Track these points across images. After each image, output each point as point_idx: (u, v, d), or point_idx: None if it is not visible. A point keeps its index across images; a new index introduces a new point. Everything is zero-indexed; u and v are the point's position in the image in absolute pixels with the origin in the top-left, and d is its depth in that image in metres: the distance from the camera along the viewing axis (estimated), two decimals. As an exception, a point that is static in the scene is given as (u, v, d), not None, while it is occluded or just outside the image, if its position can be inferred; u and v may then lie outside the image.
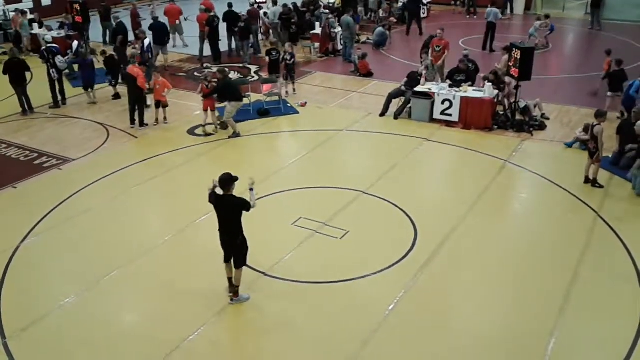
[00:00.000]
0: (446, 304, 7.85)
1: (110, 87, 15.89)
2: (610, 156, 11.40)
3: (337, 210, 10.04)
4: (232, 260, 7.72)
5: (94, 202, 10.54)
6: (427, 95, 13.89)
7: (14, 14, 21.27)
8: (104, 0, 21.31)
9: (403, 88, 14.48)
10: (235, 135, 13.24)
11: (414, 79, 14.42)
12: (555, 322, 7.37)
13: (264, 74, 17.40)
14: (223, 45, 19.52)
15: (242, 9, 20.44)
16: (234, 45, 19.97)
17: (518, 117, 13.49)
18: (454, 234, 9.30)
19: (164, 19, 19.35)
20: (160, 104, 13.89)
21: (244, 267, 7.77)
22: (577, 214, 9.91)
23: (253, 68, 18.63)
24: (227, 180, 7.28)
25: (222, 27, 19.12)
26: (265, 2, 22.56)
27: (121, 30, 17.73)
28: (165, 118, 14.07)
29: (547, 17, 20.98)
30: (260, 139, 13.29)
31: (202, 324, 7.42)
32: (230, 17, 19.09)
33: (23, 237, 9.41)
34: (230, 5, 19.32)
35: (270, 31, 21.11)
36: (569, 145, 12.32)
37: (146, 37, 16.74)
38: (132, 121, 13.84)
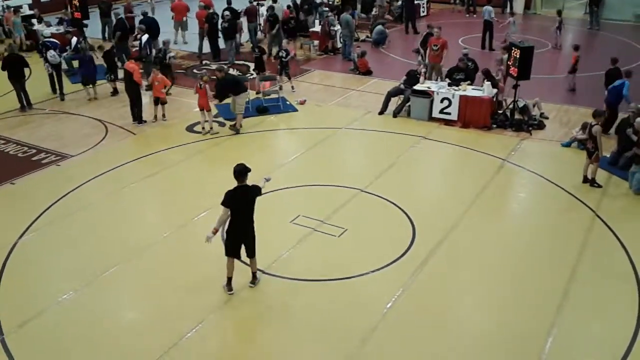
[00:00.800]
0: (444, 302, 7.86)
1: (108, 83, 15.86)
2: (608, 156, 11.41)
3: (336, 208, 10.04)
4: (236, 256, 7.79)
5: (92, 198, 10.53)
6: (426, 94, 13.89)
7: (6, 11, 21.15)
8: (105, -4, 21.28)
9: (402, 86, 14.49)
10: (236, 130, 13.24)
11: (413, 77, 14.42)
12: (553, 320, 7.39)
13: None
14: (222, 43, 19.49)
15: (242, 4, 20.42)
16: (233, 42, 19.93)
17: (517, 116, 13.50)
18: (452, 233, 9.32)
19: (162, 15, 19.27)
20: (159, 100, 13.88)
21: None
22: (575, 213, 9.93)
23: (252, 65, 18.59)
24: (242, 172, 7.45)
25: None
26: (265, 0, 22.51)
27: (121, 26, 17.71)
28: (164, 115, 14.06)
29: (559, 13, 21.18)
30: (258, 137, 13.29)
31: (201, 320, 7.42)
32: (229, 13, 19.06)
33: (21, 233, 9.39)
34: (229, 2, 19.29)
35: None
36: (566, 146, 12.33)
37: (144, 33, 16.71)
38: (134, 117, 13.85)
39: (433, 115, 13.84)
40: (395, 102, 14.45)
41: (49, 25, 20.43)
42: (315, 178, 11.18)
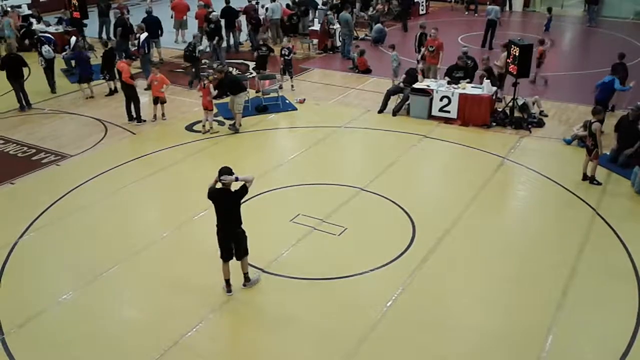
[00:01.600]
0: (444, 301, 7.86)
1: (106, 82, 15.86)
2: (608, 153, 11.41)
3: (336, 207, 10.04)
4: (231, 259, 7.74)
5: (92, 198, 10.53)
6: (426, 92, 13.88)
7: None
8: (104, -4, 21.26)
9: (401, 85, 14.48)
10: (235, 129, 13.24)
11: (412, 75, 14.41)
12: (553, 318, 7.39)
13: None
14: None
15: (242, 3, 20.41)
16: (232, 41, 19.95)
17: (516, 114, 13.49)
18: (452, 231, 9.31)
19: (162, 15, 19.27)
20: (158, 100, 13.87)
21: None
22: (575, 211, 9.92)
23: (251, 64, 18.59)
24: (227, 174, 7.43)
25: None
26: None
27: (121, 23, 17.74)
28: (163, 114, 14.06)
29: (549, 10, 21.29)
30: (258, 136, 13.28)
31: (200, 319, 7.42)
32: (228, 12, 19.07)
33: (21, 233, 9.39)
34: (227, 0, 19.27)
35: (269, 27, 21.07)
36: (568, 142, 12.33)
37: (143, 32, 16.72)
38: (130, 117, 13.83)
39: (432, 114, 13.83)
40: (394, 100, 14.45)
41: (48, 25, 20.42)
42: (315, 177, 11.18)
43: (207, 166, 11.91)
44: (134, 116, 13.85)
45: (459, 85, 13.76)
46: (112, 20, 19.79)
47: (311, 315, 7.56)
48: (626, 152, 11.16)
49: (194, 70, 16.25)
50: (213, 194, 7.54)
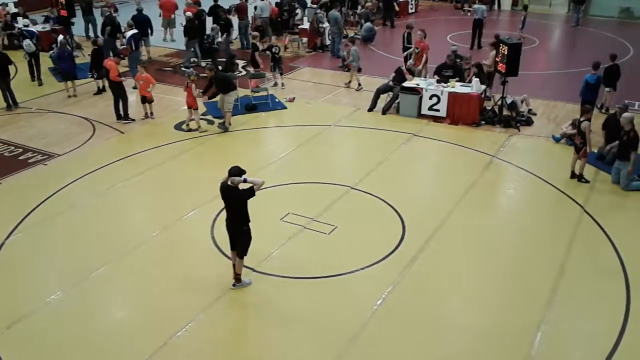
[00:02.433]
0: (434, 298, 7.88)
1: (94, 81, 15.76)
2: (596, 151, 11.49)
3: (326, 205, 10.04)
4: (233, 247, 7.90)
5: (79, 198, 10.45)
6: (415, 91, 13.91)
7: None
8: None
9: (391, 83, 14.49)
10: (224, 128, 13.20)
11: (401, 74, 14.43)
12: (542, 316, 7.43)
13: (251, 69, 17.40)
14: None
15: (233, 1, 20.34)
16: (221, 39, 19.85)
17: (505, 112, 13.55)
18: (442, 229, 9.34)
19: (150, 12, 19.14)
20: (145, 99, 13.78)
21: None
22: (564, 209, 9.99)
23: (241, 63, 18.53)
24: (236, 174, 7.56)
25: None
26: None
27: (110, 22, 17.62)
28: (151, 113, 13.97)
29: (525, 8, 21.60)
30: (247, 135, 13.24)
31: (190, 319, 7.39)
32: (216, 11, 18.98)
33: (8, 234, 9.30)
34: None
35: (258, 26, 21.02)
36: (557, 140, 12.40)
37: (132, 29, 16.64)
38: (118, 116, 13.75)
39: (422, 112, 13.86)
40: (384, 99, 14.46)
41: (35, 23, 20.22)
42: (305, 175, 11.17)
43: (196, 165, 11.89)
44: (122, 115, 13.75)
45: (448, 83, 13.80)
46: (98, 18, 19.63)
47: (302, 314, 7.55)
48: (610, 145, 11.22)
49: (211, 61, 16.62)
50: (221, 189, 7.67)
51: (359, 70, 16.24)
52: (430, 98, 13.68)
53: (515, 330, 7.23)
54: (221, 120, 13.38)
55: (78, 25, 20.26)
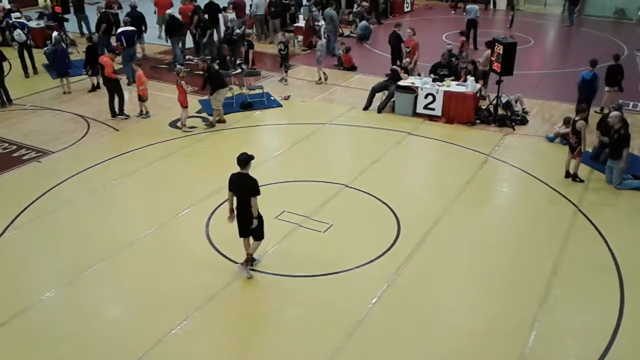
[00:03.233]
0: (428, 296, 7.90)
1: (89, 78, 15.70)
2: (590, 151, 11.53)
3: (321, 203, 10.04)
4: (246, 236, 8.04)
5: (74, 195, 10.41)
6: (411, 90, 13.92)
7: None
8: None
9: (386, 82, 14.50)
10: (210, 124, 13.19)
11: (396, 72, 14.44)
12: (536, 314, 7.46)
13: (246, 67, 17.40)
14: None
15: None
16: (215, 37, 19.80)
17: (500, 111, 13.58)
18: (436, 228, 9.36)
19: (145, 9, 19.08)
20: (140, 97, 13.76)
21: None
22: (558, 208, 10.02)
23: (237, 60, 18.49)
24: (245, 160, 7.77)
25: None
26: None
27: (105, 19, 17.57)
28: (147, 111, 13.93)
29: (512, 8, 21.93)
30: (243, 132, 13.22)
31: (185, 317, 7.38)
32: (211, 8, 18.95)
33: (1, 231, 9.25)
34: None
35: (253, 24, 21.01)
36: (551, 140, 12.44)
37: (126, 25, 16.60)
38: (113, 113, 13.70)
39: (417, 111, 13.88)
40: (379, 97, 14.47)
41: (29, 20, 20.11)
42: (300, 174, 11.16)
43: (191, 163, 11.86)
44: (117, 111, 13.71)
45: (444, 82, 13.82)
46: (91, 16, 19.57)
47: (297, 312, 7.55)
48: (602, 139, 11.25)
49: (232, 53, 17.21)
50: (231, 179, 7.86)
51: (355, 68, 16.24)
52: (426, 97, 13.70)
53: (509, 328, 7.25)
54: (216, 118, 13.38)
55: (72, 22, 20.18)
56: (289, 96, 15.19)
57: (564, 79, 16.70)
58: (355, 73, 17.37)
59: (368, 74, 16.97)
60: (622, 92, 13.64)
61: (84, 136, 12.88)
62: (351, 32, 21.81)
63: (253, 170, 8.02)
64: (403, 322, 7.38)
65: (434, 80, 14.03)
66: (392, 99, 14.20)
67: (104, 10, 18.13)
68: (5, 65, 14.64)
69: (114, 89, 13.65)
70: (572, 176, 10.84)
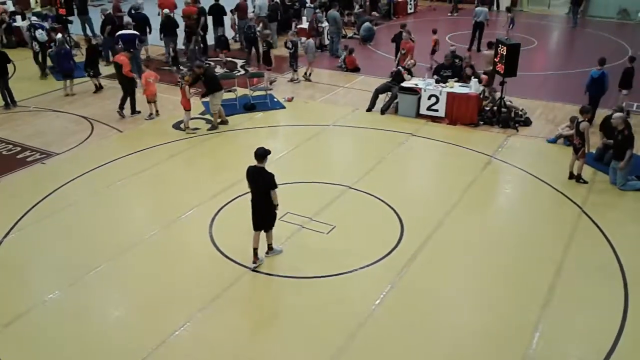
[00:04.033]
0: (431, 298, 7.89)
1: (91, 80, 15.75)
2: (594, 152, 11.51)
3: (324, 205, 10.04)
4: (259, 229, 8.27)
5: (78, 196, 10.44)
6: (414, 91, 13.92)
7: None
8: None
9: (390, 83, 14.50)
10: (213, 127, 13.23)
11: (399, 74, 14.43)
12: (540, 315, 7.44)
13: (252, 68, 17.44)
14: (210, 39, 19.44)
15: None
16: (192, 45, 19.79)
17: (503, 113, 13.55)
18: (440, 229, 9.35)
19: (148, 11, 19.12)
20: (148, 98, 13.87)
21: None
22: (562, 209, 10.00)
23: (239, 62, 18.55)
24: (262, 154, 8.03)
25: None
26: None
27: (110, 21, 17.62)
28: (156, 111, 14.05)
29: (508, 10, 21.69)
30: (246, 134, 13.23)
31: (188, 319, 7.38)
32: (216, 10, 18.99)
33: (6, 232, 9.28)
34: None
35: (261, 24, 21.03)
36: (552, 142, 12.41)
37: (126, 28, 16.67)
38: (121, 108, 13.97)
39: (420, 112, 13.87)
40: (383, 99, 14.46)
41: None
42: (303, 175, 11.16)
43: (194, 165, 11.89)
44: (128, 110, 13.97)
45: (447, 84, 13.80)
46: (95, 18, 19.62)
47: (300, 313, 7.55)
48: (605, 142, 11.22)
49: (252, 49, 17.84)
50: (249, 172, 8.12)
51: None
52: (429, 98, 13.69)
53: (512, 330, 7.24)
54: (219, 120, 13.40)
55: (76, 24, 20.23)
56: (292, 98, 15.20)
57: (568, 80, 16.68)
58: (358, 74, 17.37)
59: (371, 75, 16.97)
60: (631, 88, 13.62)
61: (87, 138, 12.92)
62: (354, 34, 21.80)
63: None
64: (406, 323, 7.37)
65: (437, 81, 14.02)
66: (396, 101, 14.19)
67: (108, 12, 18.16)
68: (10, 67, 14.68)
69: (129, 87, 13.91)
70: (576, 177, 10.81)
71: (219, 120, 13.40)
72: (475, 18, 19.68)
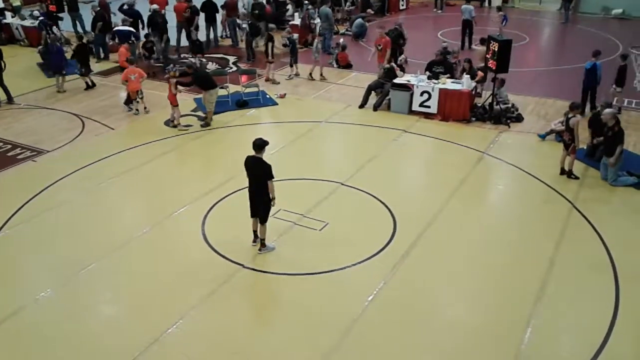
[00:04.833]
0: (424, 294, 7.91)
1: (81, 77, 15.66)
2: (585, 148, 11.56)
3: (317, 202, 10.04)
4: (253, 215, 8.50)
5: (69, 194, 10.39)
6: (406, 87, 13.92)
7: None
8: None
9: (382, 80, 14.49)
10: (206, 123, 13.20)
11: (391, 70, 14.42)
12: (532, 311, 7.48)
13: (243, 65, 17.40)
14: (202, 36, 19.38)
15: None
16: (211, 36, 19.81)
17: (496, 107, 13.58)
18: (432, 225, 9.37)
19: (140, 7, 19.02)
20: (134, 94, 13.83)
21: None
22: (553, 205, 10.05)
23: (231, 59, 18.50)
24: (260, 145, 8.31)
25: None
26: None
27: (101, 18, 17.52)
28: (137, 109, 14.00)
29: (499, 9, 21.53)
30: (238, 131, 13.20)
31: (181, 316, 7.37)
32: (209, 7, 18.92)
33: (-3, 230, 9.24)
34: None
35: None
36: (543, 137, 12.46)
37: (124, 25, 16.58)
38: (128, 103, 14.23)
39: (413, 109, 13.88)
40: (375, 95, 14.45)
41: (23, 18, 20.09)
42: (296, 172, 11.15)
43: (186, 162, 11.86)
44: (126, 101, 14.16)
45: (439, 80, 13.82)
46: (85, 15, 19.50)
47: (293, 310, 7.56)
48: (597, 139, 11.28)
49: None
50: (247, 162, 8.36)
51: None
52: (422, 94, 13.70)
53: (505, 326, 7.27)
54: (210, 117, 13.37)
55: (66, 21, 20.10)
56: (284, 94, 15.17)
57: (560, 76, 16.74)
58: (351, 71, 17.37)
59: (364, 71, 16.96)
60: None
61: (79, 135, 12.85)
62: (347, 30, 21.78)
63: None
64: (399, 319, 7.39)
65: (429, 77, 14.03)
66: (388, 97, 14.20)
67: (98, 9, 18.06)
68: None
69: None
70: (567, 173, 10.86)
71: (211, 117, 13.35)
72: (462, 16, 19.65)
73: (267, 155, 11.59)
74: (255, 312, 7.67)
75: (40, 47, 17.18)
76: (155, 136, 12.70)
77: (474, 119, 13.56)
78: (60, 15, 19.10)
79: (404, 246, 8.79)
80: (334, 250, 8.75)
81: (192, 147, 12.32)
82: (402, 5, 26.15)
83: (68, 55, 16.34)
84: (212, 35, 19.80)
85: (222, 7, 20.19)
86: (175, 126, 13.10)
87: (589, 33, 22.01)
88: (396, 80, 14.12)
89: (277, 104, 14.68)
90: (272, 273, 8.25)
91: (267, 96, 15.04)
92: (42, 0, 20.46)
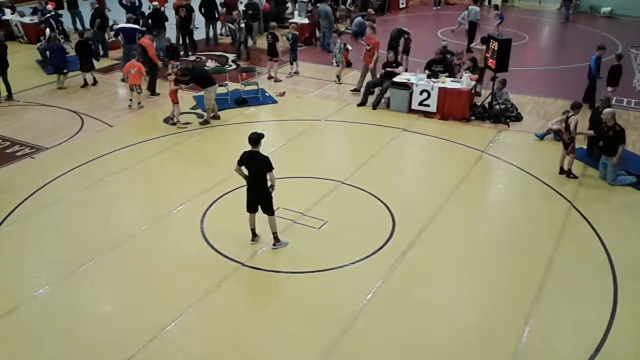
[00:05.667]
0: (423, 293, 7.91)
1: (82, 74, 15.64)
2: (584, 147, 11.56)
3: (316, 200, 10.03)
4: (256, 211, 8.53)
5: (68, 191, 10.37)
6: (406, 86, 13.92)
7: None
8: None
9: (382, 78, 14.49)
10: (205, 121, 13.19)
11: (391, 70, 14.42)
12: (530, 310, 7.48)
13: (242, 63, 17.38)
14: (201, 34, 19.37)
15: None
16: (211, 34, 19.80)
17: (496, 106, 13.58)
18: (431, 224, 9.37)
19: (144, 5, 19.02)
20: (133, 87, 13.88)
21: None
22: (552, 204, 10.05)
23: (231, 57, 18.48)
24: (256, 139, 8.33)
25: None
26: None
27: (99, 15, 17.50)
28: (139, 102, 14.01)
29: (496, 7, 21.59)
30: (237, 129, 13.19)
31: (179, 314, 7.36)
32: (207, 4, 18.90)
33: (-5, 227, 9.23)
34: None
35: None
36: (541, 137, 12.46)
37: (128, 22, 16.57)
38: (152, 92, 14.71)
39: (412, 107, 13.88)
40: (374, 94, 14.45)
41: (22, 15, 20.04)
42: (295, 170, 11.14)
43: (185, 159, 11.84)
44: (151, 92, 14.66)
45: (439, 79, 13.82)
46: (85, 11, 19.47)
47: (292, 308, 7.55)
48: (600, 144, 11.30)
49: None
50: (246, 156, 8.33)
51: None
52: (421, 93, 13.70)
53: (502, 325, 7.27)
54: (210, 115, 13.36)
55: (65, 18, 20.06)
56: (283, 92, 15.16)
57: (559, 75, 16.74)
58: (350, 69, 17.34)
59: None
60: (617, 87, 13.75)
61: (78, 132, 12.83)
62: (346, 28, 21.76)
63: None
64: (397, 318, 7.39)
65: (428, 76, 14.03)
66: (387, 96, 14.19)
67: (96, 5, 18.03)
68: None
69: (151, 68, 14.39)
70: (567, 172, 10.87)
71: (211, 114, 13.35)
72: (467, 17, 19.37)
73: (266, 154, 11.59)
74: (254, 309, 7.67)
75: (40, 43, 17.13)
76: (154, 134, 12.69)
77: (473, 118, 13.56)
78: (60, 12, 19.07)
79: (402, 245, 8.78)
80: (333, 249, 8.74)
81: (191, 145, 12.31)
82: (402, 4, 26.14)
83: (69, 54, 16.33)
84: (211, 33, 19.78)
85: (221, 5, 20.19)
86: (174, 124, 13.10)
87: (589, 32, 22.01)
88: (396, 79, 14.11)
89: (276, 102, 14.67)
90: (271, 271, 8.24)
91: (267, 94, 15.03)
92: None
